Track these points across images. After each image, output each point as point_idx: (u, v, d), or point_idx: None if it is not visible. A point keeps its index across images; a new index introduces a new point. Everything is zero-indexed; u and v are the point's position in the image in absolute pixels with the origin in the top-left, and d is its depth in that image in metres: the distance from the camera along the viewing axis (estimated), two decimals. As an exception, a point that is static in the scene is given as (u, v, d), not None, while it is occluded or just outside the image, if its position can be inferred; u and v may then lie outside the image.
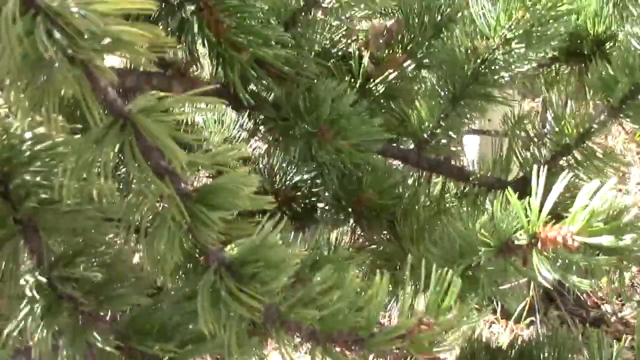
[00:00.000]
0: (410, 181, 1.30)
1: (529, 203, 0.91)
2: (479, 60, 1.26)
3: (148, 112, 0.66)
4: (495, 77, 1.27)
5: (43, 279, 0.65)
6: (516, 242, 0.93)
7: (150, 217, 0.67)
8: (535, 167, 0.91)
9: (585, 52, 1.48)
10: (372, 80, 1.32)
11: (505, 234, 0.94)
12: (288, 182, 1.33)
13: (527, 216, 0.91)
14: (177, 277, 0.68)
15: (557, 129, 1.24)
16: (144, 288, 0.70)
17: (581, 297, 3.01)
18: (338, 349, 0.67)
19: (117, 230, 0.67)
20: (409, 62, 1.34)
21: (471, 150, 2.71)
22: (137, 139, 0.65)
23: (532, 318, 2.81)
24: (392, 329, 0.66)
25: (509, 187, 0.92)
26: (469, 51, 1.27)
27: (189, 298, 0.69)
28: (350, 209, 1.26)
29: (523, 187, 1.18)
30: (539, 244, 0.91)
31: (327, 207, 1.31)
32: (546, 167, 0.91)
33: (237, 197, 0.65)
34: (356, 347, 0.67)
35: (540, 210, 0.90)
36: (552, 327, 2.76)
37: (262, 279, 0.65)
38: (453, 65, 1.27)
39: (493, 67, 1.27)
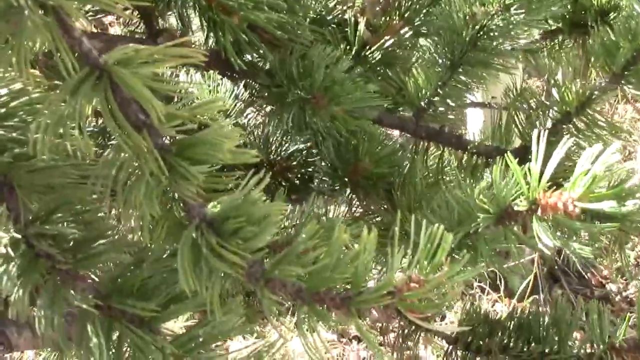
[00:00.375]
0: (407, 150, 1.28)
1: (528, 169, 0.88)
2: (477, 27, 1.24)
3: (125, 63, 0.63)
4: (495, 43, 1.25)
5: (19, 236, 0.63)
6: (516, 209, 0.91)
7: (128, 172, 0.65)
8: (535, 131, 0.88)
9: (589, 24, 1.45)
10: (368, 47, 1.29)
11: (504, 201, 0.92)
12: (283, 152, 1.31)
13: (527, 182, 0.88)
14: (157, 234, 0.66)
15: (557, 97, 1.22)
16: (123, 246, 0.67)
17: (585, 276, 2.99)
18: (324, 307, 0.65)
19: (94, 187, 0.65)
20: (406, 29, 1.31)
21: (475, 125, 2.69)
22: (113, 91, 0.63)
23: (536, 296, 2.79)
24: (380, 286, 0.63)
25: (508, 153, 0.89)
26: (467, 17, 1.24)
27: (170, 256, 0.67)
28: (346, 179, 1.24)
29: (523, 156, 1.15)
30: (539, 211, 0.88)
31: (323, 178, 1.28)
32: (546, 132, 0.88)
33: (218, 150, 0.63)
34: (343, 305, 0.65)
35: (540, 176, 0.87)
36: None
37: (245, 235, 0.63)
38: (451, 32, 1.25)
39: (492, 34, 1.24)
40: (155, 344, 0.62)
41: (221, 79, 1.45)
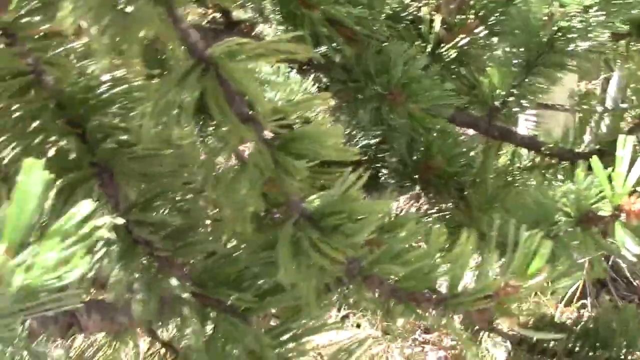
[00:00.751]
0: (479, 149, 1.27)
1: (611, 173, 0.87)
2: (554, 28, 1.22)
3: (230, 57, 0.64)
4: (572, 45, 1.23)
5: (120, 221, 0.63)
6: (598, 214, 0.90)
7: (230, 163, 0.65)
8: (620, 136, 0.87)
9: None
10: (443, 45, 1.28)
11: (586, 205, 0.91)
12: (353, 147, 1.31)
13: (611, 187, 0.87)
14: (251, 227, 0.66)
15: (635, 100, 1.20)
16: (221, 237, 0.68)
17: (633, 282, 2.94)
18: (419, 308, 0.65)
19: (195, 176, 0.65)
20: (480, 28, 1.30)
21: (526, 123, 2.65)
22: (220, 84, 0.63)
23: (584, 301, 2.76)
24: (479, 290, 0.63)
25: (594, 157, 0.88)
26: (545, 18, 1.23)
27: (265, 249, 0.68)
28: (416, 176, 1.24)
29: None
30: (624, 216, 0.87)
31: (391, 174, 1.28)
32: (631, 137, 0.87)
33: (322, 146, 0.63)
34: (438, 306, 0.64)
35: (625, 181, 0.86)
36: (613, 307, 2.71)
37: (345, 231, 0.63)
38: (528, 33, 1.23)
39: (569, 36, 1.22)
40: (252, 334, 0.63)
41: (289, 71, 1.45)
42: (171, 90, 0.64)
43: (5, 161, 0.70)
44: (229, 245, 0.69)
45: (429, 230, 0.66)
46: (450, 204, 1.21)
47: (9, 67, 0.74)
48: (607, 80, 2.19)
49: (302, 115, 0.64)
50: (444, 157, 1.20)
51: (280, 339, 0.66)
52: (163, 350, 1.39)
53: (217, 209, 0.69)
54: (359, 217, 0.64)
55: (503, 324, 1.36)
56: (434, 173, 1.21)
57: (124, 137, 0.69)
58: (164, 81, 0.64)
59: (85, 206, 0.47)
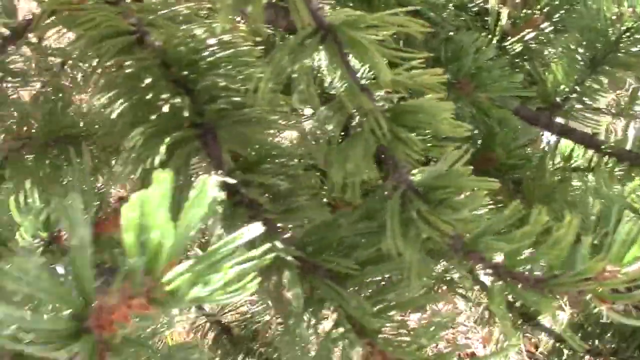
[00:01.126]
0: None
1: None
2: (623, 28, 1.23)
3: (350, 26, 0.65)
4: (638, 47, 1.23)
5: (232, 181, 0.64)
6: (670, 209, 0.91)
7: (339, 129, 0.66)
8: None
9: None
10: (508, 38, 1.29)
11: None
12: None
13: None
14: (356, 195, 0.67)
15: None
16: (324, 204, 0.69)
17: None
18: (519, 286, 0.66)
19: (306, 142, 0.66)
20: (546, 24, 1.31)
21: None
22: (339, 52, 0.64)
23: None
24: (580, 272, 0.64)
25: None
26: (614, 17, 1.23)
27: (366, 219, 0.68)
28: (473, 166, 1.24)
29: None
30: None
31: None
32: None
33: (435, 119, 0.64)
34: (537, 285, 0.65)
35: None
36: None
37: (453, 205, 0.64)
38: (595, 31, 1.24)
39: (637, 36, 1.23)
40: (355, 300, 0.64)
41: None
42: (289, 56, 0.65)
43: (114, 115, 0.71)
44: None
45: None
46: (507, 196, 1.22)
47: (113, 26, 0.75)
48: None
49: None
50: (505, 149, 1.20)
51: (378, 307, 0.67)
52: (208, 325, 1.40)
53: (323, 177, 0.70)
54: (465, 193, 0.65)
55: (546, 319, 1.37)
56: (493, 165, 1.22)
57: (234, 99, 0.70)
58: (282, 46, 0.65)
59: (255, 229, 0.47)
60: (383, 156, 0.66)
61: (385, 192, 0.67)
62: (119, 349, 0.51)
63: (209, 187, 0.47)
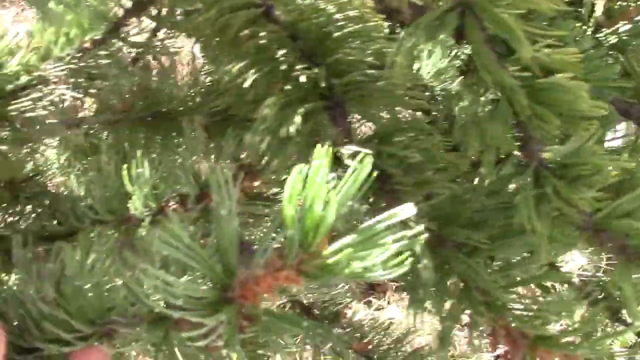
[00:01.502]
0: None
1: None
2: None
3: (490, 1, 0.65)
4: None
5: (367, 151, 0.65)
6: None
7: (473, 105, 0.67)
8: None
9: None
10: (602, 30, 1.28)
11: None
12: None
13: None
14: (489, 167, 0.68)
15: None
16: (454, 177, 0.70)
17: None
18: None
19: (436, 116, 0.67)
20: (640, 17, 1.29)
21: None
22: (479, 27, 0.65)
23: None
24: None
25: None
26: None
27: (495, 193, 0.69)
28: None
29: None
30: None
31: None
32: None
33: (575, 97, 0.64)
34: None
35: None
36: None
37: (589, 182, 0.64)
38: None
39: None
40: (486, 273, 0.64)
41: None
42: (427, 31, 0.66)
43: (247, 84, 0.72)
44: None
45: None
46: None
47: (240, -1, 0.77)
48: None
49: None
50: (599, 142, 1.20)
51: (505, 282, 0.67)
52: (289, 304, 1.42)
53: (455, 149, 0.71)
54: (599, 171, 0.65)
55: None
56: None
57: (367, 72, 0.71)
58: (419, 22, 0.66)
59: (409, 209, 0.48)
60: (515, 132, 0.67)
61: (517, 168, 0.67)
62: (259, 319, 0.52)
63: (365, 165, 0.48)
